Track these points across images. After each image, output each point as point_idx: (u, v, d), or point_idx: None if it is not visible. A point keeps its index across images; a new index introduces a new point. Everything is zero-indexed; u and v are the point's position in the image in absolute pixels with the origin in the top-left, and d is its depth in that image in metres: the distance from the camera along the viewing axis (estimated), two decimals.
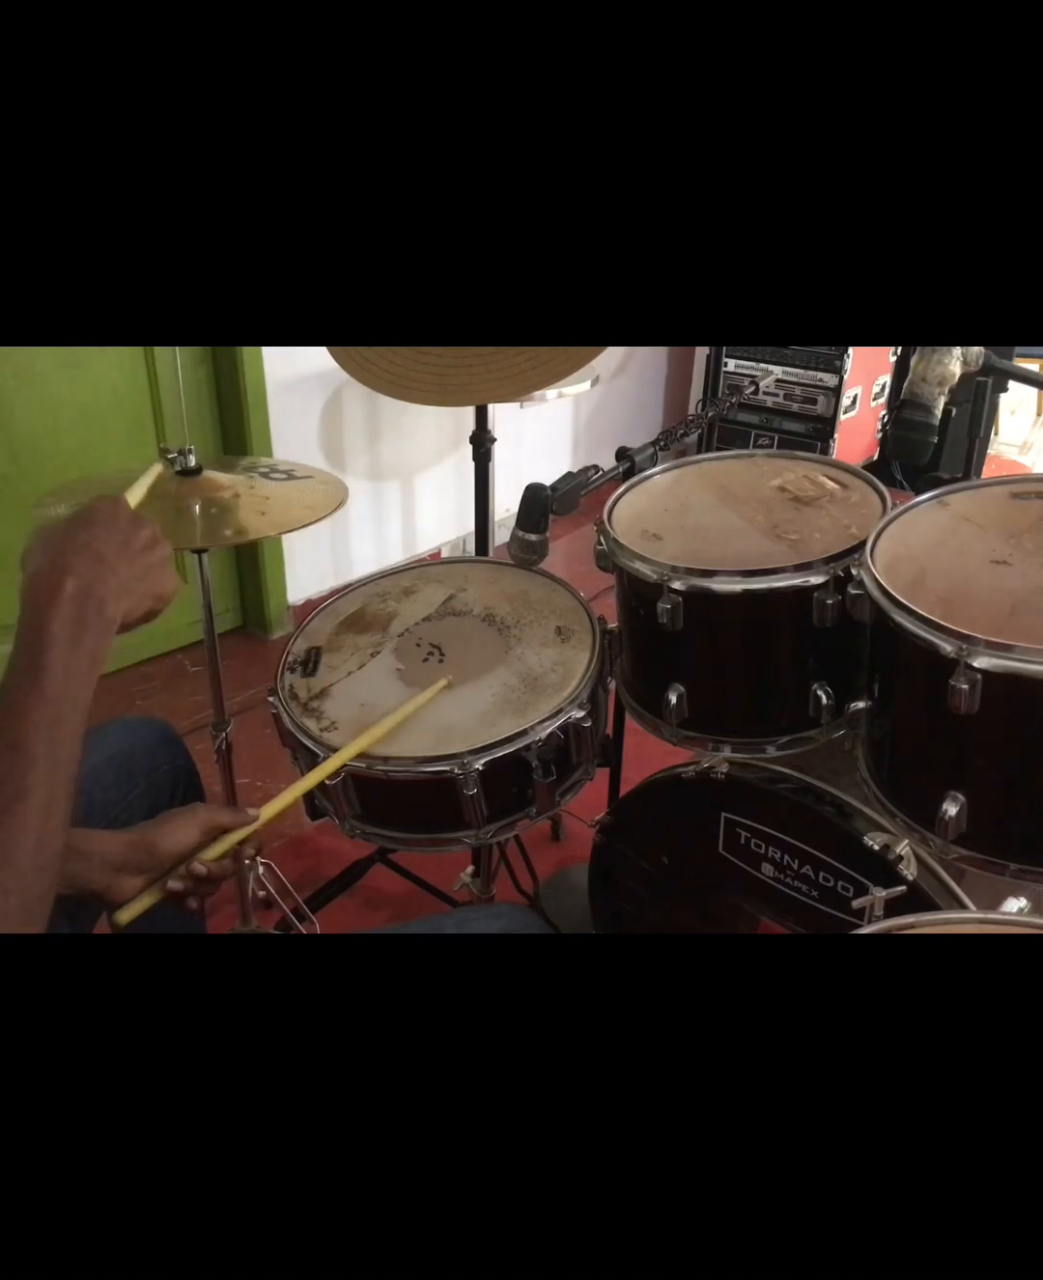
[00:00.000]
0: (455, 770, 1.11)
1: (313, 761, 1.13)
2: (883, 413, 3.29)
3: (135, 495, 0.90)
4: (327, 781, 1.13)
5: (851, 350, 2.99)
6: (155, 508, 1.35)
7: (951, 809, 0.98)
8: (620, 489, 1.29)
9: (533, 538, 1.26)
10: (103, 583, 0.73)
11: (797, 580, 1.10)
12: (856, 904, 1.07)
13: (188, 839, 0.91)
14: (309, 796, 1.23)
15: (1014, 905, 1.09)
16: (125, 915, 0.88)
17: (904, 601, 0.95)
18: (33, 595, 0.72)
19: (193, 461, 1.39)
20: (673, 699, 1.18)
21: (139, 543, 0.78)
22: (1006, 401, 3.25)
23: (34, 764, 0.67)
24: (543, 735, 1.14)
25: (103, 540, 0.75)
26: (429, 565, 1.47)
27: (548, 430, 3.37)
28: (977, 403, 1.34)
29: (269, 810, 0.97)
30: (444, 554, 3.14)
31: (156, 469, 0.97)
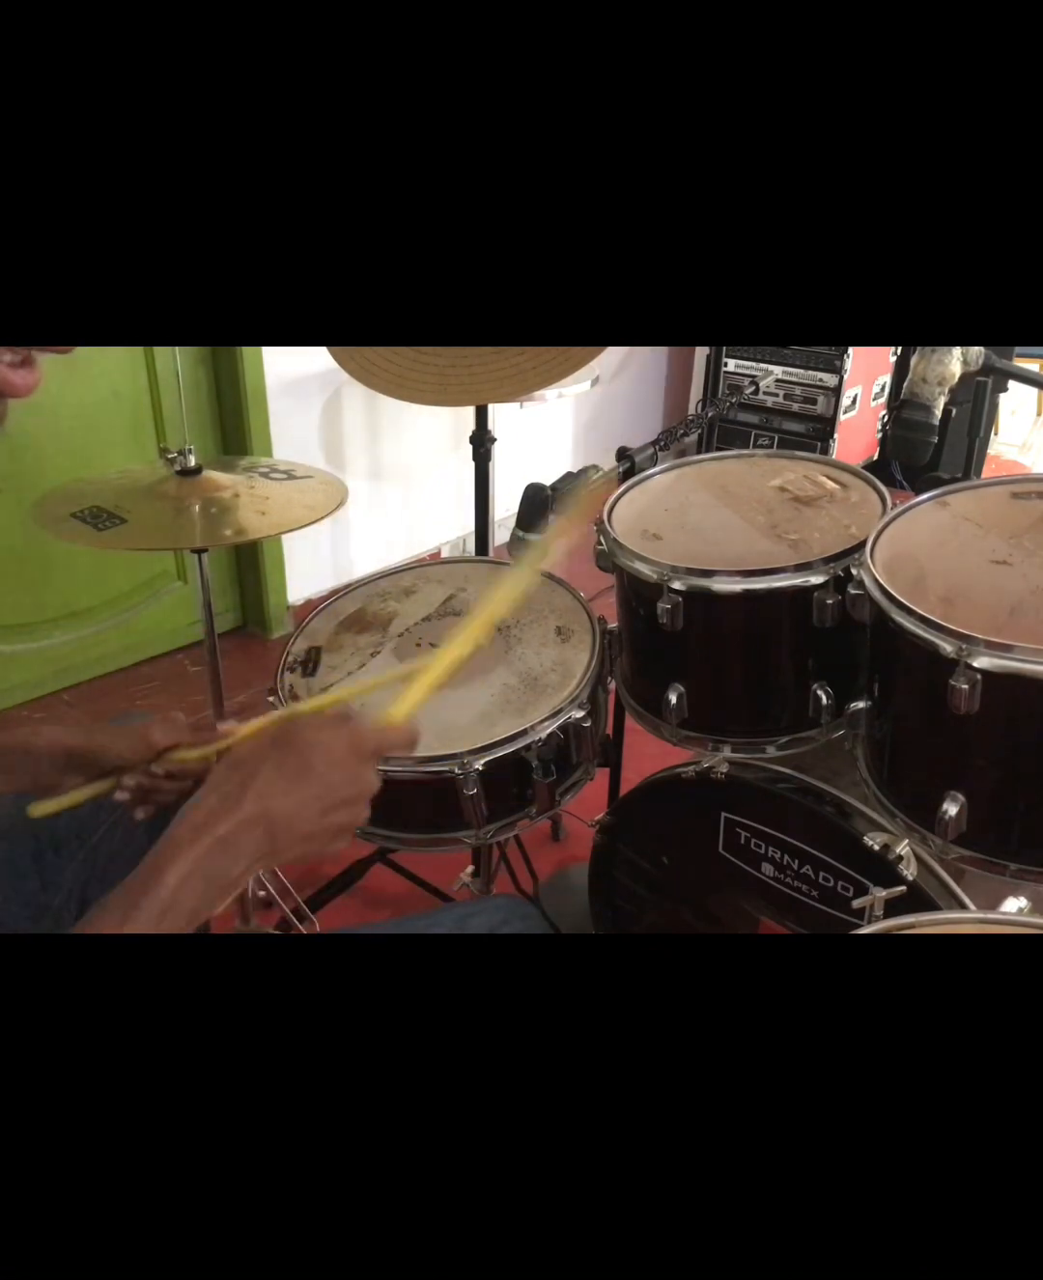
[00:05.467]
0: (455, 770, 1.11)
1: None
2: (883, 413, 3.29)
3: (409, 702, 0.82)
4: None
5: (851, 350, 2.99)
6: (156, 508, 1.36)
7: (951, 809, 0.98)
8: (620, 489, 1.29)
9: (533, 538, 1.26)
10: (275, 851, 0.69)
11: (797, 580, 1.10)
12: (856, 904, 1.07)
13: (133, 754, 0.88)
14: None
15: (1014, 905, 1.09)
16: (38, 810, 0.86)
17: (904, 601, 0.95)
18: (219, 805, 0.67)
19: (193, 461, 1.39)
20: (673, 699, 1.18)
21: (337, 823, 0.71)
22: (1006, 401, 3.25)
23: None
24: (543, 735, 1.14)
25: (318, 806, 0.69)
26: (429, 565, 1.47)
27: (548, 430, 3.37)
28: (977, 403, 1.34)
29: (222, 743, 0.88)
30: (444, 554, 3.14)
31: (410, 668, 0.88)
